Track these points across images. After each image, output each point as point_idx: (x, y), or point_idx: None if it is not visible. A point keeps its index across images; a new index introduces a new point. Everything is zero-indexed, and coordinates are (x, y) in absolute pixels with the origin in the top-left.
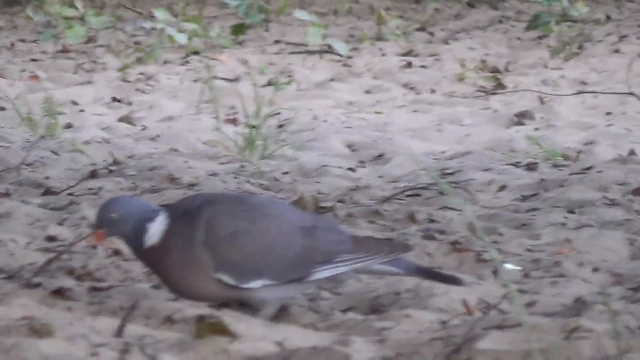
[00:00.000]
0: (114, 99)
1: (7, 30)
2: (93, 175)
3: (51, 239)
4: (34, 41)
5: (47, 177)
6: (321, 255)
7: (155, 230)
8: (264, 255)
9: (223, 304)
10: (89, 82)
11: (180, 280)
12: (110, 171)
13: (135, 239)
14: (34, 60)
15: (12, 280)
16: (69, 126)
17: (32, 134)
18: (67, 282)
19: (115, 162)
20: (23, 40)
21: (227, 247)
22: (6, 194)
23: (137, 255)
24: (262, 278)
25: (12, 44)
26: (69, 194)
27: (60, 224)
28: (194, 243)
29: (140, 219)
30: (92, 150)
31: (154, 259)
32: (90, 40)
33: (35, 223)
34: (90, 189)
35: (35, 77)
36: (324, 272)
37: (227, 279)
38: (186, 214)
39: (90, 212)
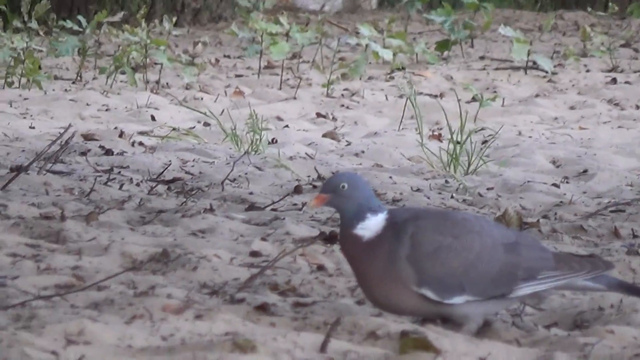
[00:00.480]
0: (319, 115)
1: (212, 46)
2: (297, 190)
3: (255, 254)
4: (239, 57)
5: (251, 193)
6: (524, 272)
7: (373, 225)
8: (467, 271)
9: (425, 319)
10: (294, 98)
11: (379, 291)
12: (315, 187)
13: (350, 220)
14: (238, 76)
15: (216, 295)
16: (273, 142)
17: (236, 150)
18: (271, 298)
19: (320, 178)
20: (228, 56)
21: (431, 263)
22: (211, 209)
23: (341, 237)
24: (464, 294)
25: (217, 60)
26: (273, 210)
27: (264, 239)
28: (397, 257)
29: (365, 205)
30: (296, 166)
31: (357, 250)
32: (295, 56)
33: (239, 238)
34: (294, 204)
35: (240, 92)
36: (526, 289)
37: (430, 294)
38: (394, 226)
39: (294, 228)
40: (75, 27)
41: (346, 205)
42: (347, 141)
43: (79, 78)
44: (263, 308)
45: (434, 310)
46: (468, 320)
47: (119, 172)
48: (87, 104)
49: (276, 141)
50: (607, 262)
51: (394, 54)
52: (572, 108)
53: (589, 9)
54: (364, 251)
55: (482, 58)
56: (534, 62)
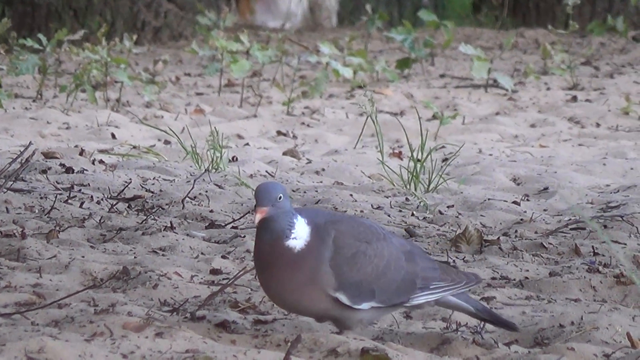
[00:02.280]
0: (279, 133)
1: (173, 64)
2: None
3: (215, 272)
4: (199, 75)
5: (212, 211)
6: (421, 281)
7: (302, 233)
8: (378, 277)
9: (319, 320)
10: (254, 116)
11: (296, 292)
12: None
13: (282, 231)
14: (199, 94)
15: (176, 313)
16: (233, 160)
17: (197, 168)
18: (232, 315)
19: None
20: (188, 74)
21: (348, 268)
22: (171, 227)
23: (264, 247)
24: (373, 300)
25: (178, 78)
26: (234, 227)
27: (225, 257)
28: (322, 260)
29: (290, 212)
30: (256, 184)
31: (285, 263)
32: (255, 74)
33: (200, 256)
34: (254, 222)
35: (200, 110)
36: (420, 298)
37: (344, 298)
38: (317, 230)
39: (253, 245)
40: (36, 46)
41: (280, 215)
42: (307, 159)
43: (39, 96)
44: (223, 325)
45: (337, 313)
46: (360, 325)
47: (80, 190)
48: (48, 122)
49: (237, 159)
50: (477, 275)
51: (355, 72)
52: (532, 126)
53: (550, 27)
54: (293, 262)
55: (442, 76)
56: (495, 80)
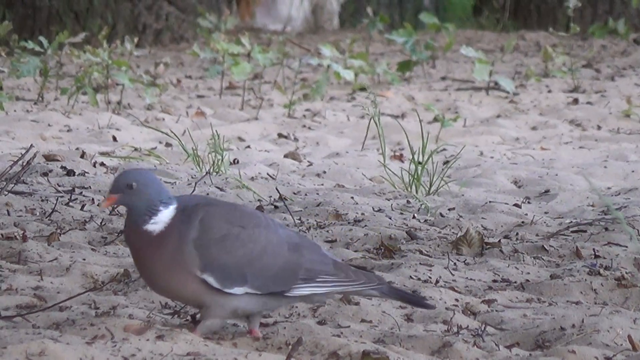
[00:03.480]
0: (280, 135)
1: (174, 66)
2: (259, 210)
3: None
4: (201, 78)
5: None
6: (304, 272)
7: (164, 217)
8: (250, 262)
9: (199, 307)
10: (255, 119)
11: (163, 275)
12: (276, 207)
13: (141, 216)
14: (200, 96)
15: (177, 315)
16: (234, 162)
17: (198, 170)
18: None
19: (281, 198)
20: (189, 77)
21: (216, 249)
22: None
23: (129, 232)
24: (245, 285)
25: (179, 81)
26: None
27: None
28: (185, 240)
29: (157, 199)
30: (257, 186)
31: (146, 245)
32: (256, 76)
33: None
34: None
35: (201, 113)
36: (304, 289)
37: (211, 280)
38: (185, 211)
39: None
40: (37, 48)
41: (136, 202)
42: (308, 162)
43: (40, 99)
44: (225, 328)
45: (211, 300)
46: (235, 315)
47: (81, 192)
48: (49, 125)
49: (238, 162)
50: (380, 277)
51: (356, 75)
52: (533, 128)
53: (551, 30)
54: (154, 243)
55: (443, 79)
56: (496, 83)
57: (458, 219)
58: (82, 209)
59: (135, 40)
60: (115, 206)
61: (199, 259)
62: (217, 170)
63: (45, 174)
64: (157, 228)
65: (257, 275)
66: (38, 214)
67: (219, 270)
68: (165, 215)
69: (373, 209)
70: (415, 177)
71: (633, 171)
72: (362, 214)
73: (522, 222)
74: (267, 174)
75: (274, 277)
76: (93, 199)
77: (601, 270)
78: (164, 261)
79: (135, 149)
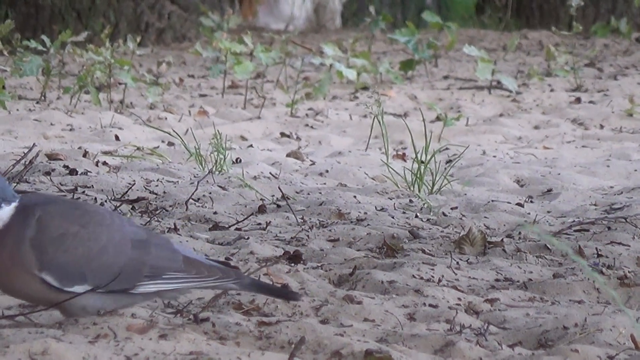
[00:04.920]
0: (283, 134)
1: (176, 65)
2: (261, 210)
3: None
4: (203, 77)
5: (215, 212)
6: (149, 270)
7: (3, 214)
8: (90, 260)
9: (48, 308)
10: (258, 118)
11: (5, 274)
12: (279, 206)
13: None
14: (202, 95)
15: (180, 315)
16: (237, 161)
17: (200, 170)
18: (235, 317)
19: (284, 197)
20: (192, 76)
21: (53, 248)
22: (175, 229)
23: None
24: (85, 284)
25: (181, 80)
26: (237, 229)
27: (228, 259)
28: (22, 239)
29: None
30: (260, 185)
31: None
32: (259, 75)
33: None
34: (259, 224)
35: (204, 112)
36: (149, 287)
37: (50, 279)
38: (24, 210)
39: (258, 247)
40: (40, 47)
41: None
42: (311, 161)
43: (43, 98)
44: (227, 327)
45: (54, 298)
46: (85, 313)
47: (83, 191)
48: (51, 124)
49: (240, 161)
50: (238, 272)
51: (358, 74)
52: (536, 127)
53: (553, 29)
54: None
55: (446, 77)
56: (498, 82)
57: (461, 218)
58: None
59: (138, 39)
60: None
61: (35, 258)
62: (220, 169)
63: (47, 173)
64: None
65: (96, 274)
66: None
67: (57, 269)
68: (4, 213)
69: (376, 208)
70: (418, 176)
71: (636, 170)
72: (365, 213)
73: (525, 221)
74: (270, 173)
75: (115, 275)
76: (95, 198)
77: (604, 270)
78: (3, 260)
79: (138, 148)
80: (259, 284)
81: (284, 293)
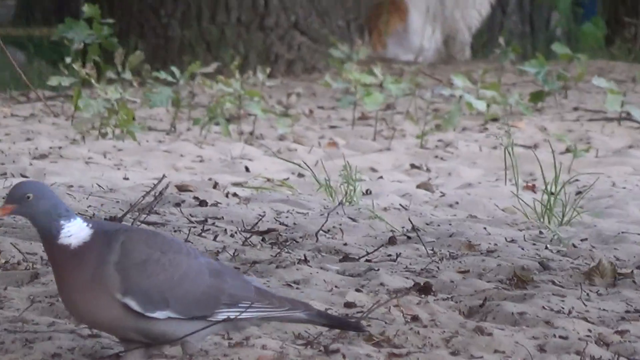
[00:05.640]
0: (413, 166)
1: (306, 97)
2: (391, 241)
3: (349, 305)
4: (333, 108)
5: (346, 244)
6: (227, 298)
7: (77, 231)
8: (172, 286)
9: (124, 339)
10: (388, 149)
11: (81, 299)
12: (409, 238)
13: (48, 230)
14: (332, 127)
15: (310, 346)
16: (367, 193)
17: (330, 201)
18: (365, 349)
19: (414, 229)
20: (322, 107)
21: (137, 273)
22: (305, 260)
23: (46, 247)
24: (167, 309)
25: (311, 111)
26: (367, 261)
27: (359, 290)
28: (106, 262)
29: (54, 213)
30: (390, 217)
31: (65, 260)
32: (388, 107)
33: (334, 289)
34: (389, 255)
35: (333, 143)
36: (226, 314)
37: (133, 304)
38: (105, 234)
39: (388, 279)
40: (169, 78)
41: (35, 214)
42: (441, 192)
43: (172, 129)
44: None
45: (133, 325)
46: (163, 338)
47: (213, 223)
48: (181, 155)
49: (370, 192)
50: (307, 305)
51: (488, 105)
52: None
53: None
54: (72, 258)
55: (575, 109)
56: (628, 113)
57: (590, 250)
58: (214, 239)
59: (268, 70)
60: (11, 216)
61: (119, 282)
62: (350, 200)
63: (177, 205)
64: (72, 242)
65: (179, 300)
66: None
67: (140, 294)
68: (76, 230)
69: (505, 239)
70: (548, 207)
71: None
72: (495, 244)
73: None
74: (400, 204)
75: (196, 302)
76: (226, 230)
77: None
78: (82, 278)
79: (268, 180)
80: (326, 314)
81: (348, 324)
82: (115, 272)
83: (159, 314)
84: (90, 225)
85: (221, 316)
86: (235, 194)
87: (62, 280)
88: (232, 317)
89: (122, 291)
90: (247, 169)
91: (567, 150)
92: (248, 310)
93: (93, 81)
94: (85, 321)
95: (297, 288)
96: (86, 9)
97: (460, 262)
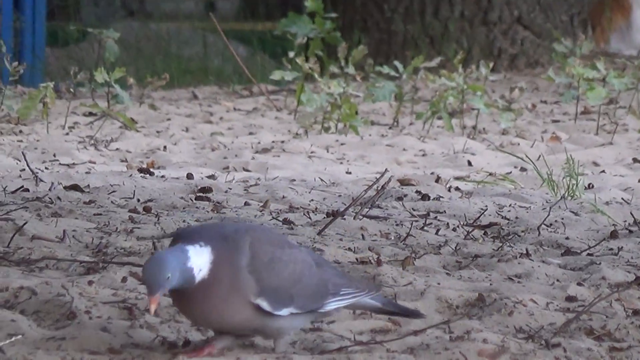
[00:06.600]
0: (635, 160)
1: (529, 91)
2: (613, 236)
3: (571, 299)
4: (555, 102)
5: (567, 238)
6: (332, 287)
7: (201, 263)
8: (295, 282)
9: (238, 335)
10: (610, 143)
11: (218, 306)
12: (631, 232)
13: (184, 283)
14: (555, 121)
15: (531, 340)
16: (589, 187)
17: (552, 195)
18: (586, 342)
19: (636, 223)
20: (544, 102)
21: (267, 273)
22: (527, 254)
23: (180, 296)
24: (291, 305)
25: (534, 105)
26: (589, 254)
27: (580, 284)
28: (239, 268)
29: (182, 266)
30: (612, 211)
31: (203, 292)
32: (611, 101)
33: (555, 283)
34: (610, 249)
35: (556, 138)
36: (332, 304)
37: (265, 305)
38: (226, 240)
39: (610, 273)
40: (392, 73)
41: (175, 283)
42: None
43: (395, 123)
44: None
45: (260, 324)
46: (279, 334)
47: (435, 217)
48: (404, 149)
49: (592, 186)
50: (377, 284)
51: None
52: None
53: None
54: (209, 285)
55: None
56: None
57: None
58: (436, 233)
59: (491, 64)
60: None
61: (254, 284)
62: (572, 194)
63: (399, 199)
64: (204, 272)
65: (300, 295)
66: (392, 238)
67: (270, 294)
68: (199, 261)
69: None
70: None
71: None
72: None
73: None
74: (622, 198)
75: (312, 295)
76: (448, 224)
77: None
78: (220, 293)
79: (490, 174)
80: (391, 301)
81: (408, 311)
82: (249, 275)
83: (284, 311)
84: (202, 243)
85: (327, 307)
86: (457, 188)
87: (202, 305)
88: (341, 306)
89: (257, 293)
90: (469, 163)
91: None
92: (347, 297)
93: (316, 75)
94: (212, 326)
95: (518, 282)
96: (309, 3)
97: None
